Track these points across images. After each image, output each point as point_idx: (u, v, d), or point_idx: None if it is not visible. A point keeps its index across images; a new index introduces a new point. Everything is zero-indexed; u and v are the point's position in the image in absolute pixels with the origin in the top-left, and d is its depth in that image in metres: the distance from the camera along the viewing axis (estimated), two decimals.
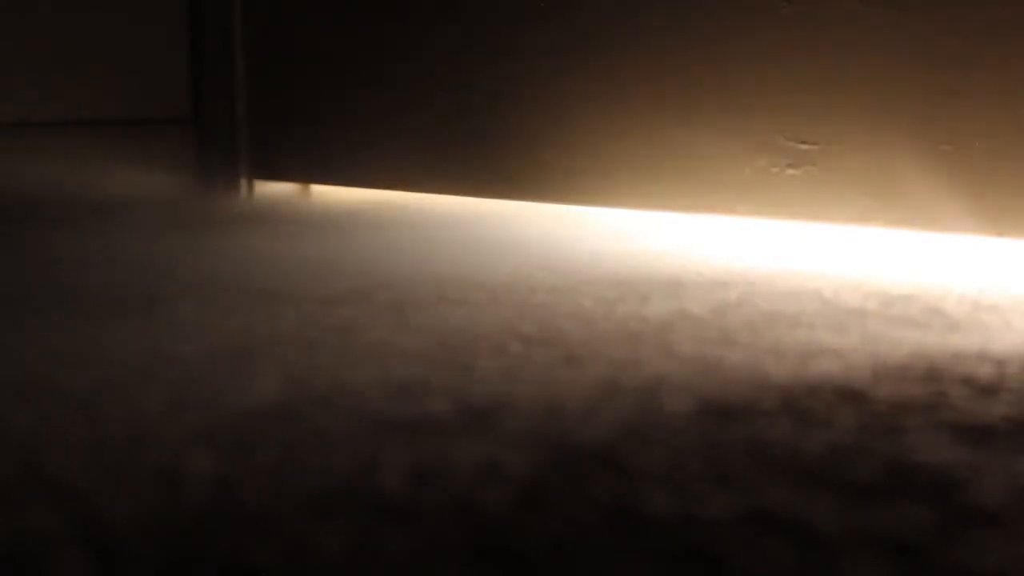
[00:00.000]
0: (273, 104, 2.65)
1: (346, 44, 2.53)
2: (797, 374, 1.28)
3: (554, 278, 1.76)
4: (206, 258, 1.93)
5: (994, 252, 1.86)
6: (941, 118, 1.87)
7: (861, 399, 1.19)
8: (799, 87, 1.98)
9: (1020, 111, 1.81)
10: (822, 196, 1.97)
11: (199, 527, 0.85)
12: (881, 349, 1.37)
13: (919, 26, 1.88)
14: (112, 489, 0.92)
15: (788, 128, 2.00)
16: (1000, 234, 1.83)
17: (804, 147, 1.98)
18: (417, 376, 1.27)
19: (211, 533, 0.84)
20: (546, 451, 1.05)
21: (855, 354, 1.35)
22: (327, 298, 1.64)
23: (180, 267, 1.88)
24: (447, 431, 1.10)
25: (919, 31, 1.88)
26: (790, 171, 1.99)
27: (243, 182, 2.67)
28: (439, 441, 1.07)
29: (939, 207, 1.87)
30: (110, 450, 1.01)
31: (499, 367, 1.30)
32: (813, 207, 1.98)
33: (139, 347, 1.38)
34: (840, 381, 1.25)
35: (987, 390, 1.22)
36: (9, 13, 3.40)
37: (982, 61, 1.83)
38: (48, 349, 1.37)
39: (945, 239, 1.89)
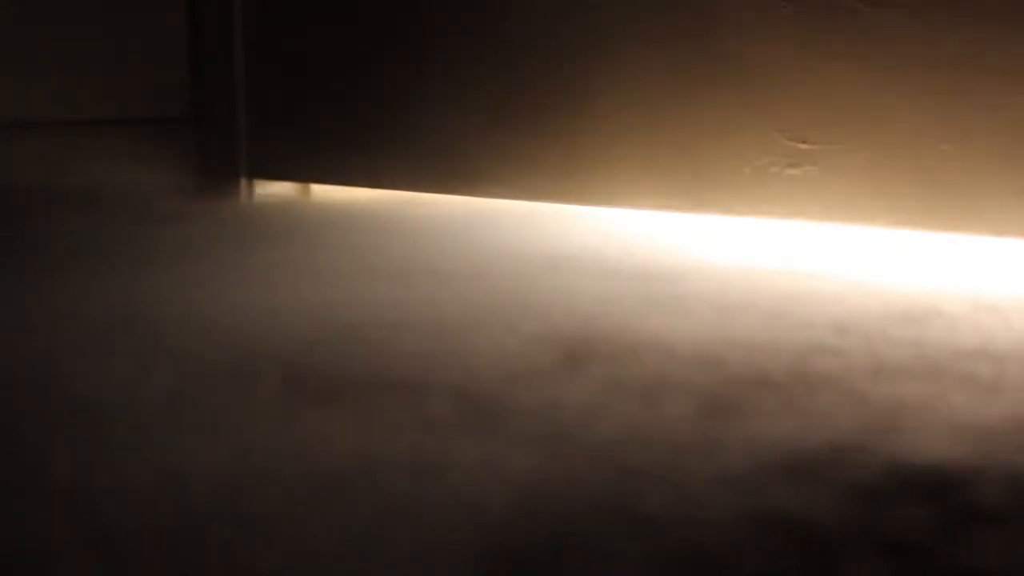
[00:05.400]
0: (273, 104, 2.65)
1: (346, 44, 2.52)
2: (797, 373, 1.28)
3: (554, 277, 1.76)
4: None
5: (994, 252, 1.86)
6: (941, 118, 1.87)
7: (861, 399, 1.19)
8: (799, 87, 1.98)
9: (1020, 111, 1.81)
10: (822, 196, 1.97)
11: None
12: (881, 349, 1.37)
13: (919, 26, 1.87)
14: None
15: (788, 128, 2.00)
16: (1000, 234, 1.83)
17: (804, 147, 1.98)
18: (417, 374, 1.27)
19: None
20: (546, 450, 1.05)
21: (855, 354, 1.35)
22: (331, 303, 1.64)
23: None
24: (447, 429, 1.10)
25: (919, 31, 1.87)
26: (790, 171, 1.99)
27: (243, 182, 2.66)
28: (439, 438, 1.07)
29: (939, 207, 1.87)
30: None
31: (499, 366, 1.30)
32: (813, 207, 1.97)
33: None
34: (840, 380, 1.25)
35: (987, 390, 1.22)
36: (9, 13, 3.39)
37: (982, 61, 1.83)
38: None
39: (945, 239, 1.89)
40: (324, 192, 2.65)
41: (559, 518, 0.91)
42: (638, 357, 1.34)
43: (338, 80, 2.55)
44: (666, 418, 1.13)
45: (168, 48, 3.22)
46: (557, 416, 1.14)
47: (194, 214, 2.39)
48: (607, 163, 2.19)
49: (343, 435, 1.08)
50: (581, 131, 2.22)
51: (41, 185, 2.67)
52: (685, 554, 0.85)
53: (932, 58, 1.86)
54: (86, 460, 1.01)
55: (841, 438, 1.08)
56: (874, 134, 1.92)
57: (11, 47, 3.35)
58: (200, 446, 1.03)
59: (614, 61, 2.17)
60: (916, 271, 1.79)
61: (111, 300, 1.62)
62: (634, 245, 2.02)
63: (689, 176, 2.09)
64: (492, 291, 1.67)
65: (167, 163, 2.86)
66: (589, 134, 2.21)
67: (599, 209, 2.22)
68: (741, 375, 1.27)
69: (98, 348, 1.39)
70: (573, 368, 1.30)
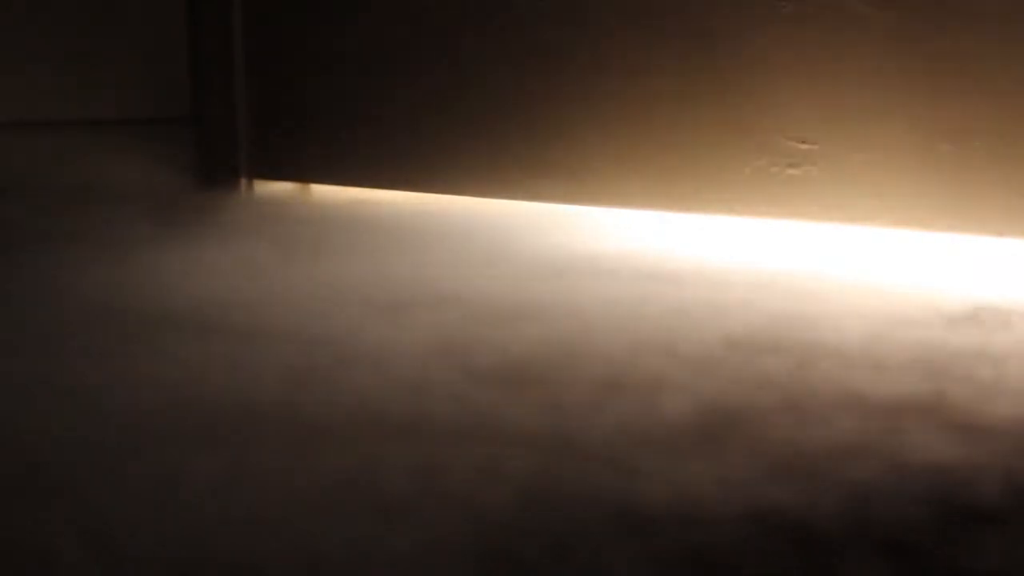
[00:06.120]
0: (273, 104, 2.65)
1: (346, 44, 2.52)
2: (797, 374, 1.28)
3: (554, 277, 1.76)
4: None
5: (994, 252, 1.86)
6: (941, 118, 1.87)
7: (861, 399, 1.19)
8: (799, 87, 1.98)
9: (1020, 111, 1.81)
10: (822, 196, 1.97)
11: None
12: (881, 349, 1.37)
13: (919, 26, 1.87)
14: None
15: (788, 128, 2.00)
16: (1000, 234, 1.83)
17: (804, 147, 1.98)
18: (416, 377, 1.27)
19: None
20: (546, 450, 1.05)
21: (855, 354, 1.35)
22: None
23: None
24: (448, 430, 1.10)
25: (919, 31, 1.87)
26: (790, 171, 1.99)
27: (243, 182, 2.66)
28: (441, 439, 1.07)
29: (939, 207, 1.87)
30: None
31: (499, 367, 1.30)
32: (813, 207, 1.97)
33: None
34: (840, 380, 1.25)
35: (987, 390, 1.22)
36: (9, 13, 3.39)
37: (982, 60, 1.83)
38: None
39: (945, 239, 1.89)
40: (324, 192, 2.65)
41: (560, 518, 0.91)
42: (638, 358, 1.34)
43: (338, 80, 2.55)
44: (666, 418, 1.13)
45: (168, 48, 3.22)
46: (556, 415, 1.14)
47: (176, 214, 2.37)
48: (607, 163, 2.19)
49: None
50: (581, 131, 2.22)
51: (38, 184, 2.67)
52: (685, 554, 0.85)
53: (932, 58, 1.86)
54: None
55: (841, 438, 1.08)
56: (874, 134, 1.92)
57: (11, 47, 3.35)
58: None
59: (614, 62, 2.17)
60: (916, 271, 1.79)
61: None
62: (633, 245, 2.02)
63: (689, 176, 2.09)
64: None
65: (167, 163, 2.86)
66: (589, 134, 2.21)
67: (599, 209, 2.22)
68: (741, 375, 1.27)
69: None
70: (573, 368, 1.30)
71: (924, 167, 1.88)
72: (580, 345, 1.39)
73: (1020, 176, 1.81)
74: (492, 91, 2.33)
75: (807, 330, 1.45)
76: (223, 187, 2.66)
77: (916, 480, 0.98)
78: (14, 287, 1.67)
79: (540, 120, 2.27)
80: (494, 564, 0.82)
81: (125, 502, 0.91)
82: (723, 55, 2.05)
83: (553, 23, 2.24)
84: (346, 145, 2.54)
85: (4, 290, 1.65)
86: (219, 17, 2.66)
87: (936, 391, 1.21)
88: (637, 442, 1.07)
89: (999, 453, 1.03)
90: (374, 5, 2.48)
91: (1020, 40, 1.80)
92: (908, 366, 1.30)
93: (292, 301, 1.57)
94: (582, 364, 1.31)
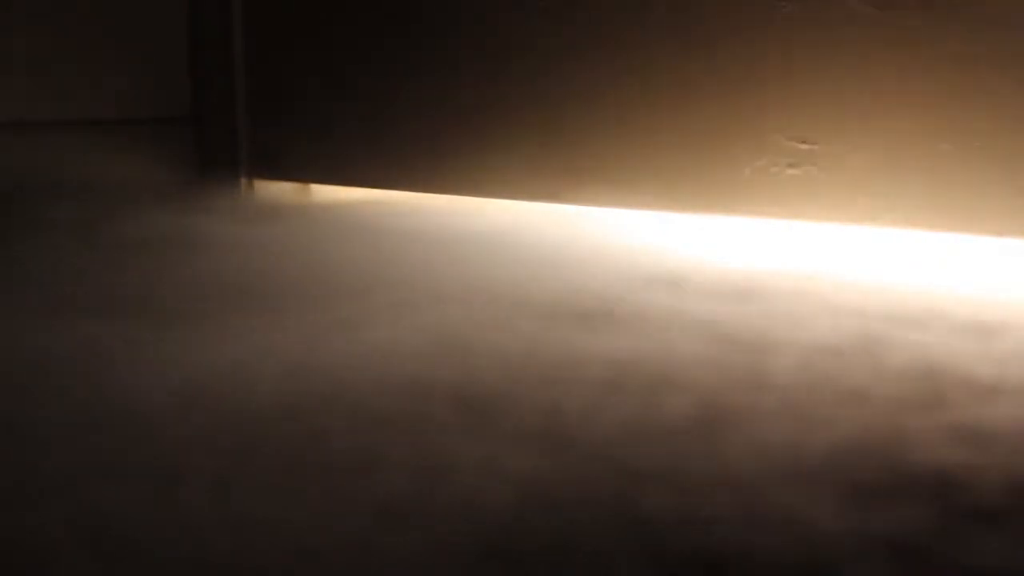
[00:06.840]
0: (273, 103, 2.65)
1: (347, 44, 2.52)
2: (797, 374, 1.28)
3: (554, 277, 1.76)
4: None
5: (994, 252, 1.86)
6: (941, 118, 1.87)
7: (861, 399, 1.19)
8: (799, 87, 1.98)
9: (1020, 111, 1.81)
10: (822, 196, 1.97)
11: None
12: (881, 349, 1.37)
13: (919, 26, 1.87)
14: None
15: (788, 128, 2.00)
16: (1000, 234, 1.83)
17: (804, 147, 1.98)
18: (419, 374, 1.27)
19: None
20: (546, 450, 1.05)
21: (855, 354, 1.35)
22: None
23: None
24: (448, 428, 1.10)
25: (919, 31, 1.87)
26: (790, 171, 1.99)
27: (243, 181, 2.66)
28: (440, 437, 1.07)
29: (939, 207, 1.87)
30: None
31: (499, 365, 1.30)
32: (813, 207, 1.97)
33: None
34: (840, 381, 1.25)
35: (987, 390, 1.22)
36: (9, 13, 3.40)
37: (982, 61, 1.83)
38: None
39: (945, 239, 1.89)
40: (324, 192, 2.65)
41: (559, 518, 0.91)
42: (638, 358, 1.34)
43: (338, 80, 2.55)
44: (666, 418, 1.13)
45: (168, 48, 3.22)
46: (556, 414, 1.14)
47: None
48: (607, 163, 2.19)
49: None
50: (580, 131, 2.22)
51: (33, 184, 2.66)
52: (685, 554, 0.85)
53: (932, 58, 1.86)
54: None
55: (841, 439, 1.08)
56: (874, 134, 1.92)
57: (11, 47, 3.35)
58: None
59: (613, 60, 2.17)
60: (916, 271, 1.79)
61: None
62: (634, 246, 2.02)
63: (689, 176, 2.09)
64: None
65: (167, 163, 2.86)
66: (589, 134, 2.21)
67: (598, 209, 2.22)
68: (741, 376, 1.27)
69: None
70: (572, 367, 1.30)
71: (924, 167, 1.88)
72: (579, 344, 1.38)
73: (1020, 176, 1.81)
74: (491, 91, 2.33)
75: (807, 330, 1.45)
76: (223, 187, 2.66)
77: (917, 480, 0.98)
78: None
79: (539, 120, 2.27)
80: None
81: None
82: (723, 55, 2.05)
83: (552, 22, 2.24)
84: (346, 145, 2.54)
85: None
86: (219, 17, 2.67)
87: (936, 392, 1.21)
88: (638, 440, 1.07)
89: (999, 454, 1.03)
90: (374, 5, 2.48)
91: (1020, 40, 1.80)
92: (908, 366, 1.30)
93: None
94: (581, 364, 1.31)
